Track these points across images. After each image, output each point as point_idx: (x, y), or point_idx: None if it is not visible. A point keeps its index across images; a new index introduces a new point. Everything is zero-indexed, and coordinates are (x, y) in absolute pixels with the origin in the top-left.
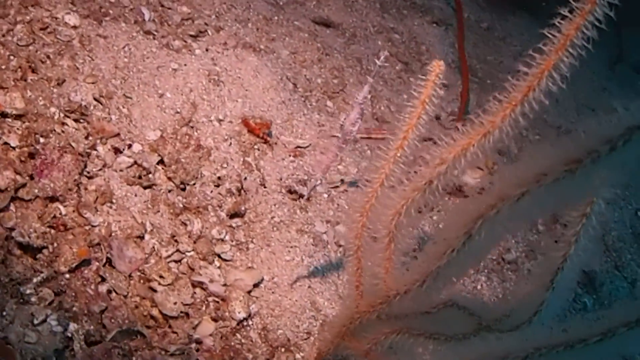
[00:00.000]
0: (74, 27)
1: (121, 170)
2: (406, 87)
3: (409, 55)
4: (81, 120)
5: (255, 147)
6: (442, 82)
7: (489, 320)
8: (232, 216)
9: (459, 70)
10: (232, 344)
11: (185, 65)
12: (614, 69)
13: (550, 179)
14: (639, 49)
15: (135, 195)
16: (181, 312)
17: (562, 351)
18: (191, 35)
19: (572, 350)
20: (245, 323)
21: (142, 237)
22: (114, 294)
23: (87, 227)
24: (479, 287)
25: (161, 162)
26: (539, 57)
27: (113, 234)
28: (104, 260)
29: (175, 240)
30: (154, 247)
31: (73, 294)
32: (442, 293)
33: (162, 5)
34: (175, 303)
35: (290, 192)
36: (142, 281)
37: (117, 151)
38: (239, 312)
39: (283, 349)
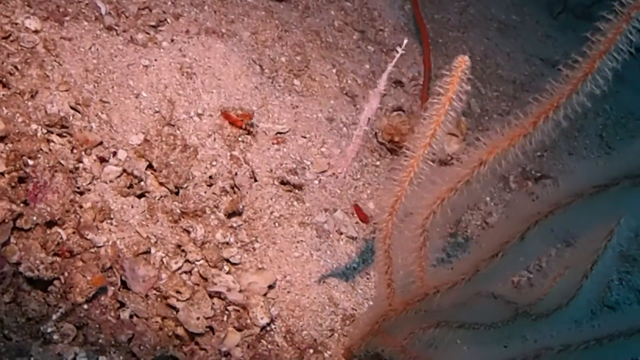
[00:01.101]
0: (36, 31)
1: (111, 181)
2: (367, 57)
3: (363, 23)
4: (64, 134)
5: (240, 139)
6: (397, 45)
7: (524, 306)
8: (230, 215)
9: (412, 33)
10: (260, 351)
11: (155, 60)
12: (557, 17)
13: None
14: None
15: (132, 207)
16: (206, 327)
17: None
18: (152, 26)
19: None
20: (268, 328)
21: (148, 252)
22: (135, 318)
23: (93, 250)
24: None
25: (150, 167)
26: None
27: (121, 254)
28: (119, 284)
29: (182, 250)
30: (162, 261)
31: (96, 325)
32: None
33: None
34: (198, 318)
35: (283, 183)
36: (159, 299)
37: (102, 160)
38: (261, 318)
39: (312, 350)
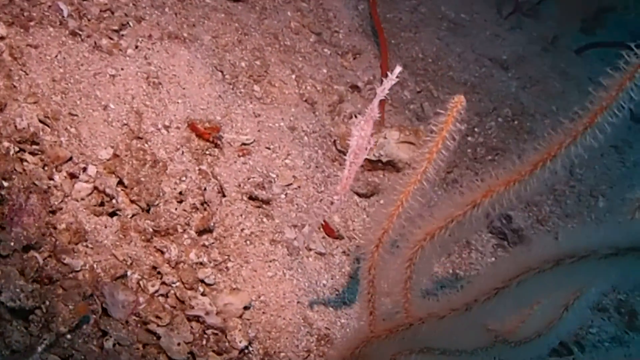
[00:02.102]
0: (2, 37)
1: (82, 199)
2: (323, 61)
3: (319, 25)
4: (36, 152)
5: (207, 152)
6: (353, 47)
7: (504, 333)
8: (201, 233)
9: (367, 34)
10: None
11: (122, 69)
12: (507, 18)
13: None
14: None
15: (105, 227)
16: (187, 352)
17: None
18: (115, 31)
19: None
20: (247, 351)
21: (125, 275)
22: (118, 346)
23: (71, 276)
24: None
25: (121, 183)
26: None
27: (99, 279)
28: (100, 311)
29: (158, 272)
30: (139, 284)
31: (82, 356)
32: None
33: None
34: (179, 344)
35: (251, 198)
36: (140, 325)
37: (73, 177)
38: (239, 341)
39: None
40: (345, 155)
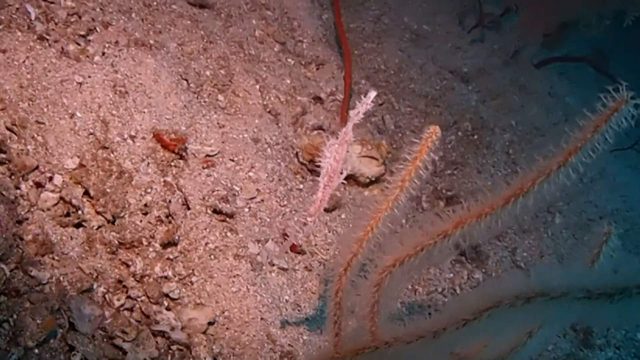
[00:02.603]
0: None
1: (49, 209)
2: (287, 71)
3: (284, 34)
4: (4, 161)
5: (172, 163)
6: (316, 57)
7: (467, 356)
8: (165, 246)
9: (330, 44)
10: None
11: (89, 77)
12: (470, 31)
13: None
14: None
15: (71, 238)
16: None
17: None
18: (82, 36)
19: None
20: None
21: (91, 289)
22: None
23: (38, 288)
24: None
25: (86, 193)
26: None
27: (66, 292)
28: (67, 326)
29: (124, 286)
30: (105, 297)
31: None
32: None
33: (45, 0)
34: None
35: (215, 212)
36: (106, 340)
37: (39, 186)
38: (204, 358)
39: None
40: (307, 167)
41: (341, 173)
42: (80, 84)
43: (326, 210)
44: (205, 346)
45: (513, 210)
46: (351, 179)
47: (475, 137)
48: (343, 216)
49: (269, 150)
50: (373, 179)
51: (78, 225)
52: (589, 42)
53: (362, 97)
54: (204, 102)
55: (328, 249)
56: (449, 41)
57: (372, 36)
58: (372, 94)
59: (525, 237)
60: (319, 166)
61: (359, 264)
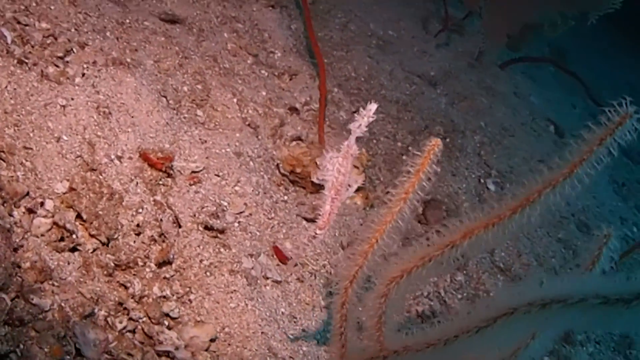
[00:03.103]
0: None
1: (42, 235)
2: (262, 83)
3: (255, 46)
4: None
5: (160, 182)
6: (289, 67)
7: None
8: (160, 265)
9: (301, 53)
10: None
11: (72, 99)
12: (437, 35)
13: None
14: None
15: (68, 263)
16: None
17: None
18: (60, 57)
19: None
20: None
21: (93, 313)
22: None
23: (41, 316)
24: None
25: (79, 217)
26: None
27: (69, 318)
28: (74, 352)
29: (124, 308)
30: (107, 321)
31: None
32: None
33: (19, 23)
34: None
35: (207, 228)
36: None
37: (31, 212)
38: None
39: None
40: (288, 178)
41: (349, 186)
42: (64, 106)
43: (312, 220)
44: None
45: (520, 220)
46: None
47: (448, 140)
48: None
49: (251, 163)
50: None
51: (73, 250)
52: (545, 42)
53: (362, 109)
54: (184, 118)
55: (317, 259)
56: (415, 46)
57: (340, 44)
58: (373, 106)
59: None
60: (302, 178)
61: (364, 276)
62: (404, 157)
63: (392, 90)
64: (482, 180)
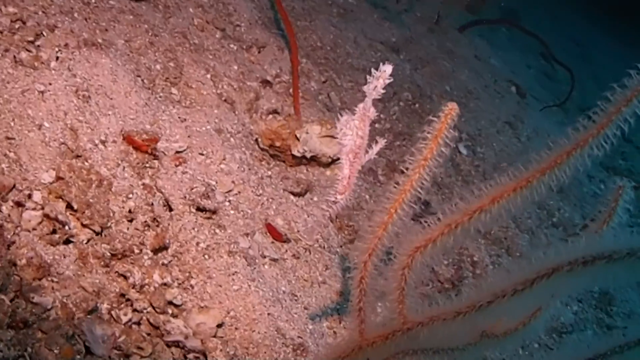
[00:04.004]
0: None
1: (34, 229)
2: (232, 57)
3: (222, 20)
4: None
5: (147, 165)
6: (256, 40)
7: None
8: (157, 251)
9: (267, 25)
10: None
11: (50, 84)
12: (399, 1)
13: None
14: None
15: (64, 257)
16: None
17: None
18: (30, 42)
19: None
20: None
21: (96, 307)
22: None
23: (45, 315)
24: None
25: (69, 207)
26: None
27: (73, 315)
28: (84, 351)
29: (127, 299)
30: (111, 314)
31: None
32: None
33: None
34: None
35: (199, 209)
36: (123, 359)
37: (19, 205)
38: None
39: None
40: (268, 152)
41: (367, 149)
42: (42, 92)
43: (299, 194)
44: (221, 350)
45: (527, 193)
46: (313, 160)
47: (417, 105)
48: (315, 199)
49: (232, 139)
50: (335, 158)
51: (67, 242)
52: (497, 5)
53: (375, 71)
54: (160, 97)
55: (310, 234)
56: (374, 13)
57: (302, 14)
58: (389, 67)
59: None
60: (282, 151)
61: (383, 249)
62: (376, 125)
63: (358, 58)
64: (454, 145)
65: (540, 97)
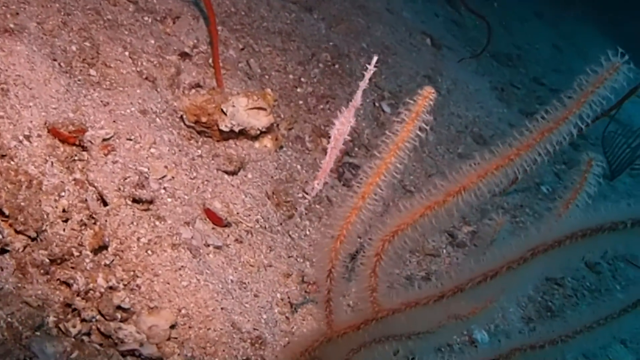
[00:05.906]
0: None
1: None
2: (148, 31)
3: None
4: None
5: (75, 157)
6: (169, 10)
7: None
8: (97, 251)
9: None
10: None
11: None
12: None
13: None
14: None
15: (1, 269)
16: None
17: None
18: None
19: None
20: None
21: (43, 323)
22: None
23: None
24: None
25: (0, 213)
26: None
27: (20, 334)
28: None
29: (73, 309)
30: (59, 328)
31: None
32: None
33: None
34: None
35: (135, 201)
36: None
37: None
38: None
39: None
40: (195, 129)
41: (344, 133)
42: None
43: (233, 173)
44: (179, 354)
45: (500, 175)
46: (242, 134)
47: (337, 66)
48: (250, 176)
49: (158, 120)
50: (264, 129)
51: (2, 252)
52: None
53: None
54: (78, 80)
55: (249, 215)
56: None
57: None
58: (374, 59)
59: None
60: (209, 127)
61: (355, 234)
62: (298, 90)
63: (272, 21)
64: (376, 104)
65: (453, 47)
